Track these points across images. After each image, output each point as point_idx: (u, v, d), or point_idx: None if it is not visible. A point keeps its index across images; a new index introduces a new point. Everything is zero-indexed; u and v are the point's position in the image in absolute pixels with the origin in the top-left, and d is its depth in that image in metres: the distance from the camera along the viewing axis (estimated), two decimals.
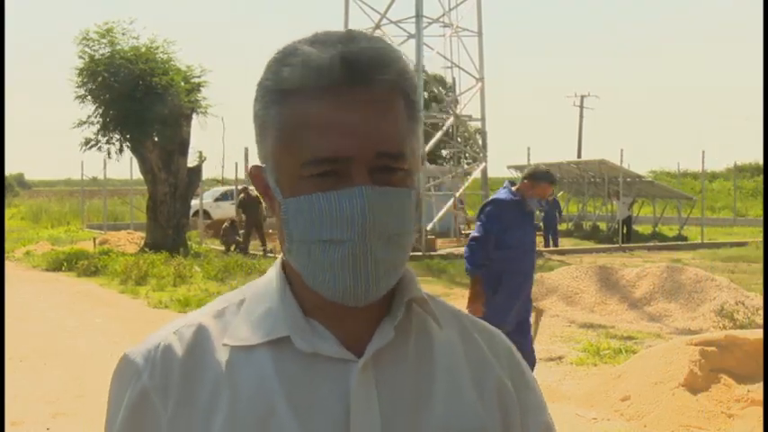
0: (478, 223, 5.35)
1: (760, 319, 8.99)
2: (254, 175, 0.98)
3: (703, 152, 26.81)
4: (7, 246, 21.54)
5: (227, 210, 27.76)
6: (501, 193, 5.40)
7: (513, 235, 5.23)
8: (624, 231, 23.71)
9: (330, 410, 0.91)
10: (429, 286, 14.32)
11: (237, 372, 0.93)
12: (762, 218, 29.05)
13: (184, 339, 0.96)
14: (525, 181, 5.40)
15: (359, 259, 0.88)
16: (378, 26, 23.36)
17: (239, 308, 0.99)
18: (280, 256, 1.01)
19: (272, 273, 1.01)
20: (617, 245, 22.42)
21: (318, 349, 0.93)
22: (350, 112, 0.88)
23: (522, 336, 5.51)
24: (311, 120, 0.88)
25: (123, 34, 18.94)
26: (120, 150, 19.30)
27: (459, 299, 12.74)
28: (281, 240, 0.95)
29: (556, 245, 21.97)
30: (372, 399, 0.92)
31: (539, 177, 5.32)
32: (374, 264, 0.89)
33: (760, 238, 22.59)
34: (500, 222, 5.24)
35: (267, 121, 0.92)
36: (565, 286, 11.51)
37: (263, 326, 0.95)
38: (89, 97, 18.72)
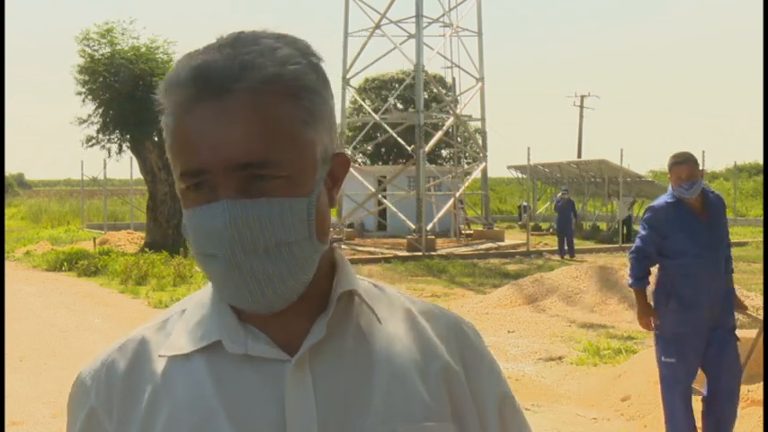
0: (638, 234, 5.10)
1: (760, 319, 8.98)
2: None
3: (703, 152, 26.81)
4: (7, 246, 21.55)
5: None
6: (659, 198, 5.07)
7: (676, 239, 4.83)
8: (624, 231, 23.71)
9: (266, 412, 0.91)
10: (429, 286, 14.31)
11: (173, 380, 0.94)
12: (762, 218, 29.07)
13: (127, 354, 0.97)
14: (669, 176, 4.96)
15: (233, 272, 0.88)
16: (378, 26, 23.37)
17: (180, 317, 1.00)
18: None
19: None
20: (617, 245, 22.42)
21: (250, 350, 0.92)
22: (204, 126, 0.87)
23: (718, 369, 4.86)
24: (175, 134, 0.90)
25: (123, 34, 18.97)
26: (120, 150, 19.32)
27: (458, 298, 12.74)
28: None
29: (572, 254, 19.54)
30: (308, 398, 0.91)
31: (671, 164, 4.87)
32: (251, 276, 0.88)
33: (760, 238, 22.58)
34: (656, 229, 4.89)
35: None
36: (565, 286, 11.50)
37: (197, 333, 0.96)
38: (89, 96, 18.73)
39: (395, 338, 0.99)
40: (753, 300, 9.91)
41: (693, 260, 4.83)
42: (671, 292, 4.89)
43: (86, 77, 18.54)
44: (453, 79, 26.46)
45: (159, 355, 0.96)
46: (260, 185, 0.88)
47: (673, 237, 4.86)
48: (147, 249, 18.35)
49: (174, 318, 1.00)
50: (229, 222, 0.86)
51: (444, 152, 40.05)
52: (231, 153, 0.86)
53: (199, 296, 1.02)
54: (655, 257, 4.96)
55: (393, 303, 1.03)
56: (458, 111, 24.09)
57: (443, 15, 24.03)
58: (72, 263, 17.10)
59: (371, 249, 20.85)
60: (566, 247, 19.71)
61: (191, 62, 0.89)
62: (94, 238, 21.62)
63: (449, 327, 1.04)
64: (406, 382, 0.96)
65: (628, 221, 24.39)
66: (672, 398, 4.93)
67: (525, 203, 37.33)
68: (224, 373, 0.93)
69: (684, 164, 4.82)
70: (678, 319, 4.87)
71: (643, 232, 5.00)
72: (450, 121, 23.51)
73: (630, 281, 5.09)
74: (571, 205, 20.41)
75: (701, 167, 4.94)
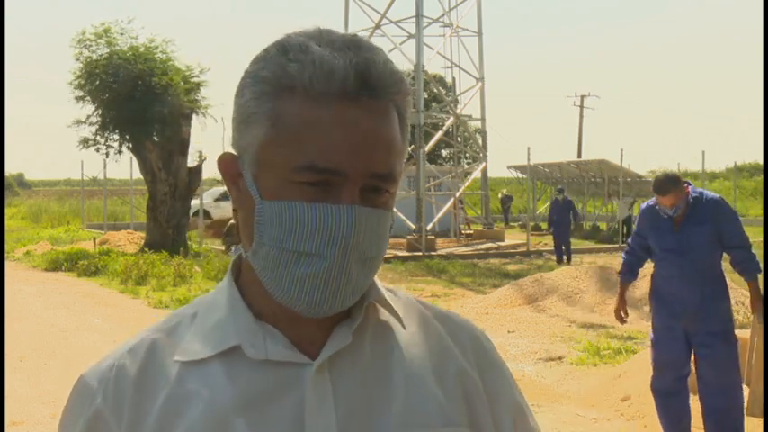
0: None
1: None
2: (227, 161, 0.93)
3: (703, 152, 26.94)
4: (7, 246, 21.54)
5: (227, 210, 27.75)
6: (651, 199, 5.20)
7: (652, 240, 5.03)
8: (624, 231, 23.72)
9: (285, 417, 0.89)
10: (429, 286, 14.31)
11: (190, 387, 0.91)
12: (762, 218, 29.05)
13: (137, 358, 0.95)
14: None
15: (333, 277, 0.86)
16: (378, 26, 23.37)
17: (192, 321, 0.97)
18: (230, 266, 0.99)
19: (223, 283, 0.99)
20: (617, 245, 22.44)
21: (270, 355, 0.91)
22: (355, 127, 0.85)
23: (710, 367, 4.88)
24: (313, 125, 0.85)
25: (122, 34, 18.94)
26: (119, 151, 19.31)
27: (458, 298, 12.74)
28: (246, 237, 0.93)
29: (568, 259, 18.21)
30: (328, 402, 0.90)
31: (653, 189, 4.91)
32: (346, 283, 0.87)
33: (760, 238, 22.53)
34: (639, 228, 5.18)
35: (257, 114, 0.88)
36: (565, 286, 11.51)
37: (214, 337, 0.94)
38: (88, 98, 18.71)
39: (411, 341, 0.98)
40: None
41: (665, 260, 5.00)
42: (653, 290, 5.13)
43: (83, 80, 18.50)
44: (453, 79, 26.48)
45: (174, 360, 0.93)
46: (374, 197, 0.89)
47: (652, 236, 5.05)
48: (147, 249, 18.34)
49: (186, 322, 0.98)
50: (355, 228, 0.85)
51: (444, 152, 40.09)
52: (371, 161, 0.86)
53: (209, 299, 0.99)
54: (641, 254, 5.23)
55: (408, 307, 1.03)
56: (458, 111, 24.09)
57: (443, 15, 24.04)
58: (72, 263, 17.09)
59: None
60: (564, 257, 18.33)
61: (342, 54, 0.85)
62: (94, 238, 21.61)
63: (465, 333, 1.04)
64: (424, 386, 0.95)
65: (628, 221, 24.38)
66: (654, 396, 5.11)
67: (507, 194, 36.47)
68: (242, 379, 0.91)
69: (665, 196, 4.84)
70: (655, 317, 5.10)
71: (634, 229, 5.33)
72: (450, 121, 23.52)
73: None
74: (569, 206, 18.79)
75: (682, 186, 4.81)
